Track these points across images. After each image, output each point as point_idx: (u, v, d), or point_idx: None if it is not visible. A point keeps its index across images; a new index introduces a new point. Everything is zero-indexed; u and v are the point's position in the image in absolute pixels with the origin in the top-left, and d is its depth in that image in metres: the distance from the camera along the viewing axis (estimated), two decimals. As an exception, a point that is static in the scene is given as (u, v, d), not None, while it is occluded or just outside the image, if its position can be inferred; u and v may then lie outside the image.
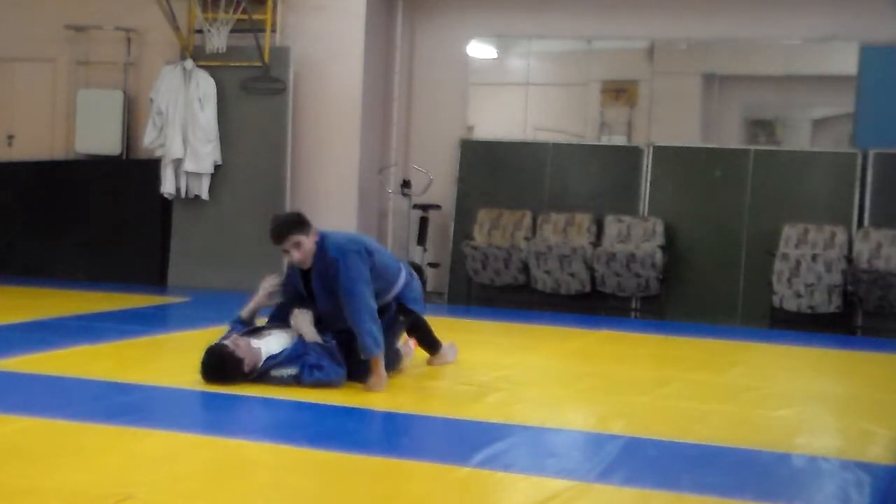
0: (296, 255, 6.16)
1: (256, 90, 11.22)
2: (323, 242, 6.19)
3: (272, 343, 6.14)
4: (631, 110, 11.61)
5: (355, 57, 11.26)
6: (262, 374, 6.02)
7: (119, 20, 11.83)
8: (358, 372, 6.09)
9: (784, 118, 11.37)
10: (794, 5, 10.94)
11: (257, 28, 11.07)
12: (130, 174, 11.86)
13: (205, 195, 11.25)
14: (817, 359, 8.67)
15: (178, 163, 11.15)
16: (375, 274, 6.22)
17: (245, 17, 10.95)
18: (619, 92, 11.76)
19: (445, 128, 11.85)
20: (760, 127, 11.56)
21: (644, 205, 11.12)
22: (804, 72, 11.32)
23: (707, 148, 11.13)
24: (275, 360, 6.04)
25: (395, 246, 11.73)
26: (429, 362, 6.85)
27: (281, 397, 5.94)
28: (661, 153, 11.14)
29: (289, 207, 11.17)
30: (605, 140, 11.70)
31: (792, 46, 11.13)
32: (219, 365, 5.98)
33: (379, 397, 5.83)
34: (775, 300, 10.22)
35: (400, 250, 11.51)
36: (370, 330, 6.00)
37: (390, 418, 5.47)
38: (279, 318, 6.40)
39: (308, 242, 6.14)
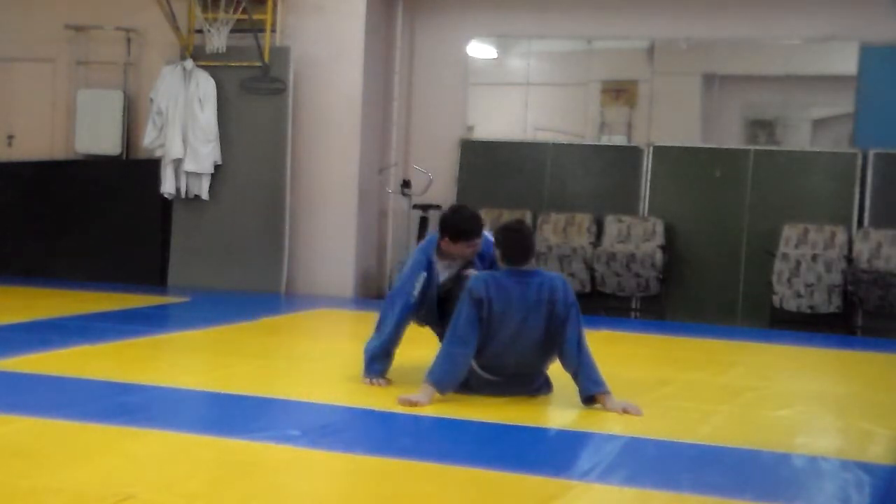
0: (470, 251, 6.19)
1: (256, 90, 11.21)
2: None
3: None
4: (631, 110, 11.61)
5: (355, 57, 11.25)
6: None
7: (119, 20, 11.83)
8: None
9: (784, 118, 11.36)
10: (794, 5, 10.93)
11: (257, 28, 11.07)
12: (130, 174, 11.85)
13: (205, 195, 11.25)
14: (817, 359, 8.67)
15: (178, 163, 11.15)
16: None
17: (245, 17, 10.95)
18: (619, 92, 11.76)
19: (445, 128, 11.85)
20: (760, 127, 11.56)
21: (644, 205, 11.12)
22: (804, 72, 11.32)
23: (707, 148, 11.13)
24: None
25: (396, 246, 11.73)
26: None
27: (280, 397, 5.95)
28: (661, 153, 11.14)
29: (289, 207, 11.18)
30: (605, 140, 11.70)
31: (792, 46, 11.13)
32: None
33: (379, 398, 5.83)
34: (775, 300, 10.22)
35: (400, 250, 11.51)
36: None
37: (391, 418, 5.46)
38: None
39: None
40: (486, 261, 6.22)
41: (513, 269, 5.87)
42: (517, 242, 5.92)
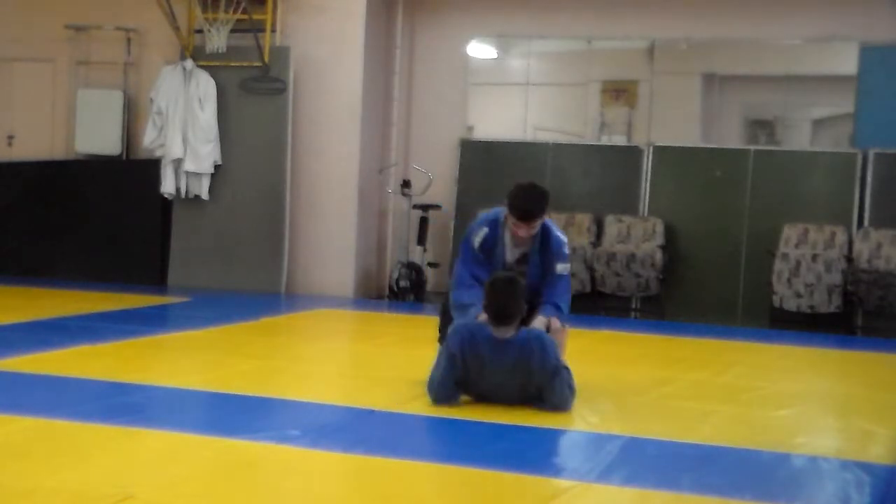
0: (529, 232, 5.97)
1: (256, 90, 11.22)
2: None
3: None
4: (631, 110, 11.61)
5: (355, 57, 11.25)
6: None
7: (119, 20, 11.83)
8: None
9: (784, 118, 11.37)
10: (794, 5, 10.94)
11: (257, 28, 11.07)
12: (130, 174, 11.85)
13: (205, 195, 11.25)
14: (817, 359, 8.67)
15: (178, 163, 11.15)
16: None
17: (245, 17, 10.95)
18: (619, 92, 11.76)
19: (445, 128, 11.85)
20: (760, 127, 11.56)
21: (644, 205, 11.12)
22: (804, 72, 11.32)
23: (707, 148, 11.13)
24: None
25: (395, 246, 11.73)
26: None
27: (280, 397, 5.95)
28: (661, 153, 11.14)
29: (288, 207, 11.18)
30: (605, 140, 11.70)
31: (792, 46, 11.13)
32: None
33: (379, 398, 5.82)
34: (775, 300, 10.21)
35: (400, 250, 11.51)
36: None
37: (391, 418, 5.46)
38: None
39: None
40: (546, 253, 6.06)
41: (492, 329, 5.54)
42: (501, 302, 5.52)
